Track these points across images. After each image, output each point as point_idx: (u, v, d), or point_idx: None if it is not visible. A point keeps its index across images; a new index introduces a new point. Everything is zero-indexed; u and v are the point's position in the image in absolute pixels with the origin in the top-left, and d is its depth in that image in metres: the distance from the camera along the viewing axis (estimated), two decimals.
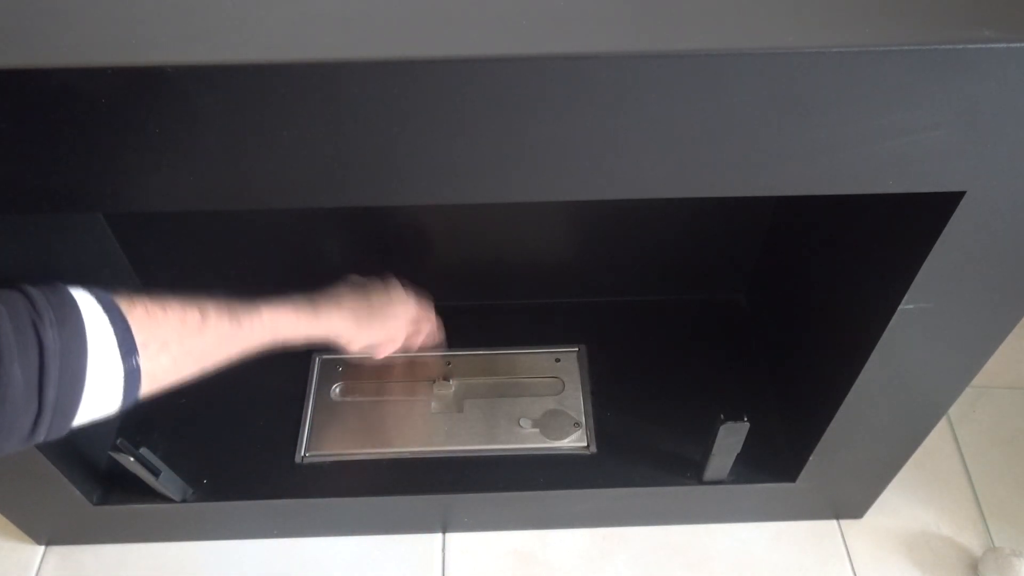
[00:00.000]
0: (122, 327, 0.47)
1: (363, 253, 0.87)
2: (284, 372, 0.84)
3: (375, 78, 0.39)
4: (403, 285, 0.76)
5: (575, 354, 0.87)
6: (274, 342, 0.63)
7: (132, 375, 0.48)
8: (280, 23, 0.40)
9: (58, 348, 0.43)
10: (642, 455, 0.79)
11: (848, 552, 0.83)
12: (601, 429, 0.81)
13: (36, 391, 0.42)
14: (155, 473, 0.70)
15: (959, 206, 0.47)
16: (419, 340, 0.78)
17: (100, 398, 0.46)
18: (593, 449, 0.79)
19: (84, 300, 0.46)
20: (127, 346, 0.47)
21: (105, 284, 0.81)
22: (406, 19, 0.40)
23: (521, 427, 0.80)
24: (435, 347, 0.81)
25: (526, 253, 0.88)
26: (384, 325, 0.73)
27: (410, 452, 0.79)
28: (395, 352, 0.75)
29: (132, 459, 0.67)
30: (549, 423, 0.81)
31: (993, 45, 0.38)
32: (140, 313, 0.49)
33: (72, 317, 0.44)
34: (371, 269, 0.79)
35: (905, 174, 0.45)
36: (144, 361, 0.48)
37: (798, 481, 0.76)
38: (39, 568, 0.82)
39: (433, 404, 0.82)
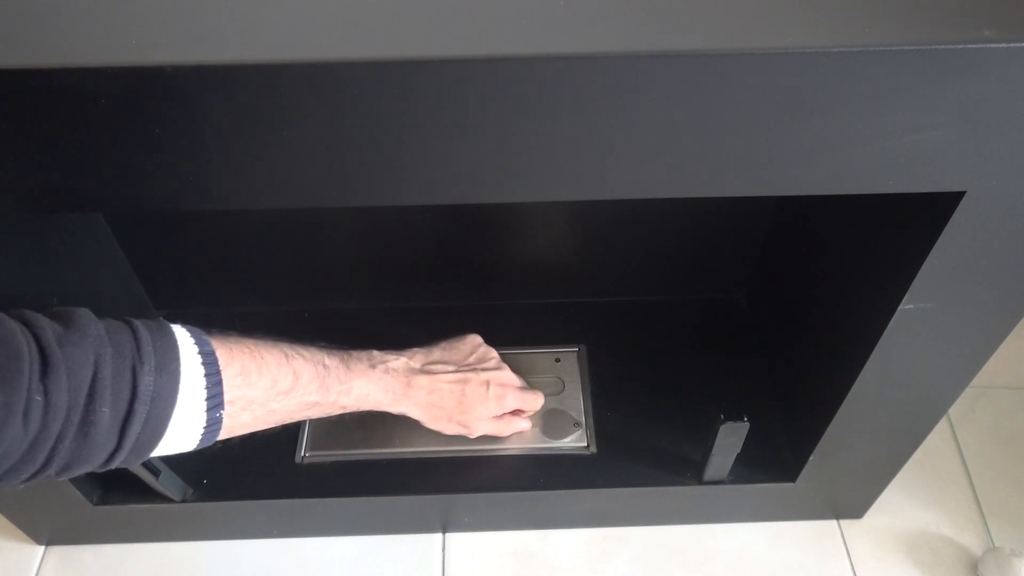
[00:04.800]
0: (215, 381, 0.48)
1: (363, 253, 0.87)
2: None
3: (375, 78, 0.39)
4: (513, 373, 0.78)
5: (575, 354, 0.87)
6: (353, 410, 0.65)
7: (212, 426, 0.49)
8: (280, 23, 0.40)
9: (150, 395, 0.44)
10: (642, 455, 0.79)
11: (848, 552, 0.83)
12: (601, 429, 0.81)
13: (118, 432, 0.44)
14: (155, 473, 0.70)
15: (959, 206, 0.47)
16: (505, 429, 0.78)
17: (177, 442, 0.48)
18: (593, 449, 0.79)
19: (186, 349, 0.47)
20: (215, 400, 0.48)
21: (106, 285, 0.81)
22: (406, 19, 0.40)
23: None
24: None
25: (526, 253, 0.88)
26: (468, 419, 0.74)
27: (410, 452, 0.79)
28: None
29: None
30: (549, 423, 0.81)
31: (993, 45, 0.38)
32: (236, 371, 0.50)
33: (171, 366, 0.45)
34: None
35: (905, 174, 0.45)
36: (226, 417, 0.50)
37: (798, 481, 0.76)
38: (39, 568, 0.82)
39: None
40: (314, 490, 0.77)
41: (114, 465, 0.46)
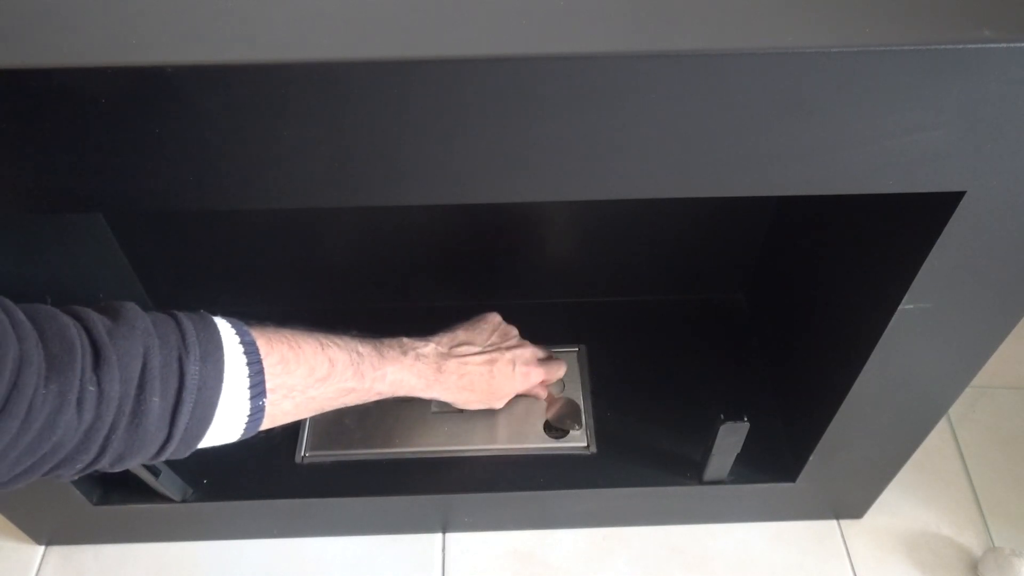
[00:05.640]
0: (256, 369, 0.50)
1: (363, 253, 0.87)
2: None
3: (375, 78, 0.39)
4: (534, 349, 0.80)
5: (575, 354, 0.87)
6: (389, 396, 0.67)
7: (256, 414, 0.51)
8: (280, 23, 0.40)
9: (196, 384, 0.45)
10: (642, 455, 0.79)
11: (848, 552, 0.83)
12: (601, 429, 0.81)
13: (169, 421, 0.45)
14: (155, 473, 0.70)
15: (959, 206, 0.47)
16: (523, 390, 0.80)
17: (224, 431, 0.49)
18: (593, 449, 0.79)
19: (228, 339, 0.49)
20: (257, 389, 0.50)
21: (106, 285, 0.81)
22: (406, 19, 0.41)
23: (521, 427, 0.80)
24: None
25: (527, 253, 0.88)
26: (496, 397, 0.77)
27: (410, 452, 0.79)
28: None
29: None
30: (549, 423, 0.81)
31: (993, 45, 0.38)
32: (275, 360, 0.52)
33: (215, 355, 0.47)
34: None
35: (905, 174, 0.45)
36: (269, 404, 0.51)
37: (798, 481, 0.76)
38: (39, 568, 0.82)
39: (433, 404, 0.82)
40: (314, 490, 0.77)
41: (165, 456, 0.47)
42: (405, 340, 0.69)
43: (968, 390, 0.66)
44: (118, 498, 0.76)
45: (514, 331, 0.79)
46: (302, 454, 0.79)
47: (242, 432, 0.51)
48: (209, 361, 0.46)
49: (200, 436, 0.47)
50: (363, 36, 0.40)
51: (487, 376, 0.74)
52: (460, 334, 0.75)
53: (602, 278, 0.91)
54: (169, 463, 0.72)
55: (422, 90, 0.40)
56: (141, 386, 0.43)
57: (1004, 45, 0.38)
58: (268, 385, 0.51)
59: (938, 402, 0.67)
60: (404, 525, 0.83)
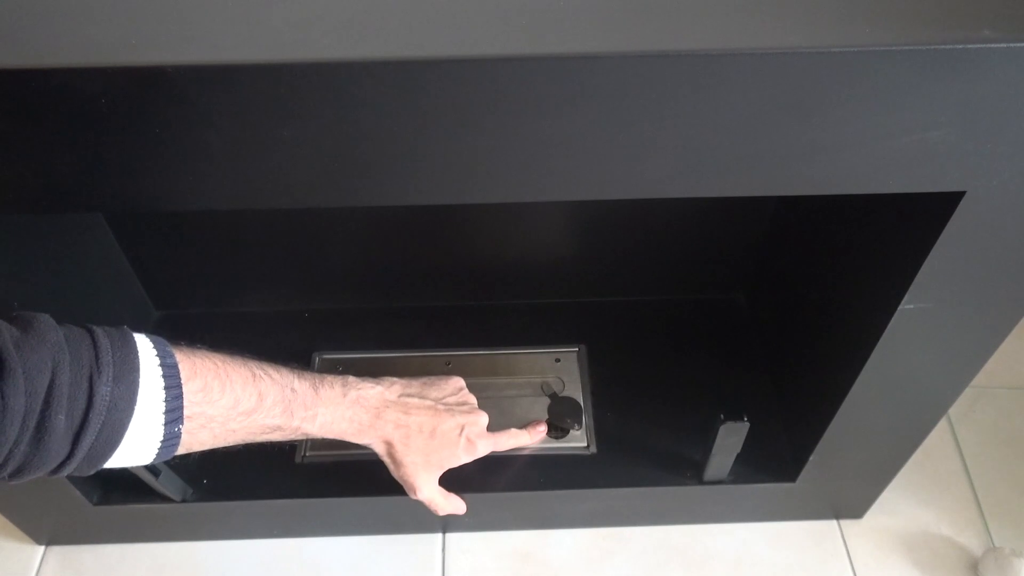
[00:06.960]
0: (175, 394, 0.47)
1: (363, 253, 0.87)
2: None
3: (376, 78, 0.39)
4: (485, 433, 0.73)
5: (575, 354, 0.87)
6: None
7: (171, 440, 0.48)
8: (281, 23, 0.40)
9: (106, 405, 0.43)
10: (642, 455, 0.79)
11: (848, 552, 0.83)
12: (601, 429, 0.81)
13: (72, 440, 0.43)
14: (155, 473, 0.70)
15: (959, 206, 0.47)
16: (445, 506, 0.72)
17: (133, 454, 0.47)
18: (593, 449, 0.79)
19: (147, 360, 0.46)
20: (174, 415, 0.48)
21: (106, 285, 0.81)
22: (407, 19, 0.41)
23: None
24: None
25: (526, 253, 0.88)
26: (431, 462, 0.69)
27: None
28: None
29: None
30: (549, 423, 0.81)
31: (993, 45, 0.38)
32: (198, 387, 0.49)
33: (129, 376, 0.45)
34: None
35: (905, 174, 0.45)
36: (185, 433, 0.49)
37: (798, 481, 0.76)
38: (39, 568, 0.82)
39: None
40: (314, 490, 0.77)
41: (65, 473, 0.45)
42: (351, 379, 0.65)
43: (968, 390, 0.66)
44: (118, 498, 0.76)
45: (472, 400, 0.74)
46: (302, 454, 0.79)
47: (154, 457, 0.49)
48: (123, 382, 0.44)
49: (106, 457, 0.45)
50: (364, 36, 0.40)
51: (428, 432, 0.67)
52: (415, 386, 0.71)
53: (602, 278, 0.91)
54: (169, 463, 0.72)
55: (421, 90, 0.40)
56: (47, 402, 0.41)
57: (1004, 45, 0.38)
58: (186, 412, 0.48)
59: (938, 402, 0.67)
60: (404, 525, 0.83)
